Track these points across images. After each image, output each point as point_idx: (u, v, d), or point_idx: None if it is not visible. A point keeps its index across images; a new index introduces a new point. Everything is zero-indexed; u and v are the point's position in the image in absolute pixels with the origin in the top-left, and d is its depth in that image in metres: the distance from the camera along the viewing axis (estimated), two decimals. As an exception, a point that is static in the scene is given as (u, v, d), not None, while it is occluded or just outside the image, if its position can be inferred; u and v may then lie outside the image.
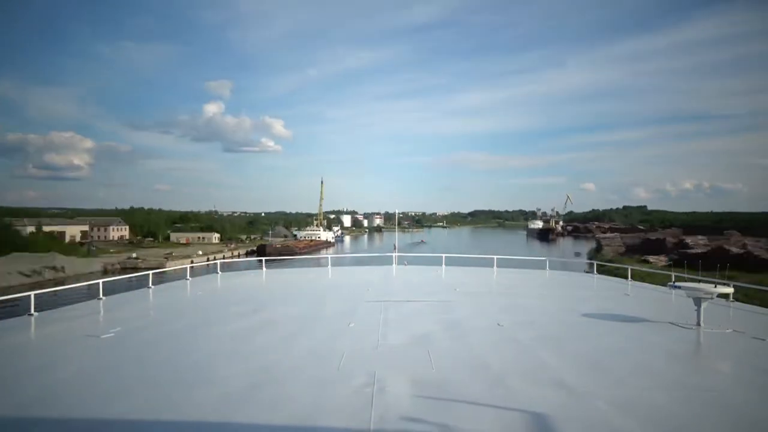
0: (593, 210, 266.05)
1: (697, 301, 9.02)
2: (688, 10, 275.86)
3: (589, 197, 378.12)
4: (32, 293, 10.63)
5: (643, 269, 21.21)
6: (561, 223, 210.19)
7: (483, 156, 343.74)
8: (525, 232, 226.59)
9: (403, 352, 7.26)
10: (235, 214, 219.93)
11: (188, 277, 16.96)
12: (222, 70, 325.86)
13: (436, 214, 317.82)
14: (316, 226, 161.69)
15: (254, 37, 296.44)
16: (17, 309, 11.20)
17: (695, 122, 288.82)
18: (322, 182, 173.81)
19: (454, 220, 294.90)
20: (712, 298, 9.03)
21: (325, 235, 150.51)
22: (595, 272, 19.02)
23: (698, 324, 8.96)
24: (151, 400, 5.32)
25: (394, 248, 21.59)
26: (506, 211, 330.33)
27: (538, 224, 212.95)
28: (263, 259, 20.50)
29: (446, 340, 8.05)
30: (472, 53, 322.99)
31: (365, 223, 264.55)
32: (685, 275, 12.08)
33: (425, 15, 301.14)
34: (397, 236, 26.18)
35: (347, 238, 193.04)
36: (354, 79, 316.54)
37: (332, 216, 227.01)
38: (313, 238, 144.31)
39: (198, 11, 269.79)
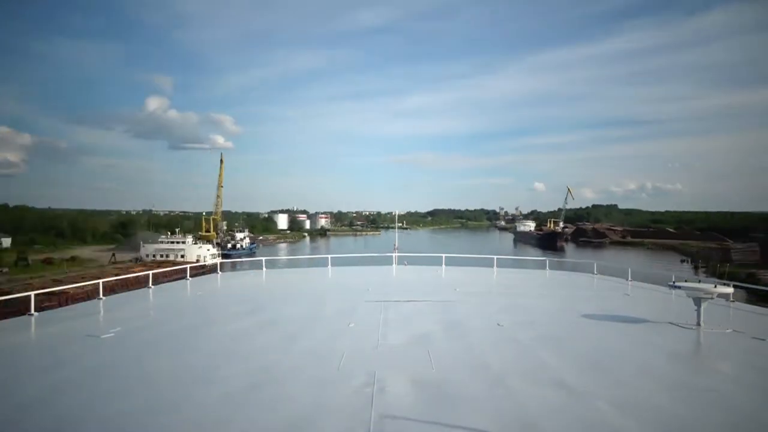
0: (558, 209, 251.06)
1: (697, 301, 9.02)
2: (618, 22, 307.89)
3: (540, 197, 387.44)
4: (32, 293, 10.64)
5: None
6: (561, 224, 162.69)
7: (434, 156, 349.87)
8: (497, 233, 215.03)
9: (403, 352, 7.25)
10: (172, 213, 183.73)
11: (188, 277, 16.96)
12: (167, 68, 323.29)
13: (392, 213, 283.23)
14: (205, 231, 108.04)
15: (200, 37, 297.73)
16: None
17: (628, 127, 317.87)
18: (221, 160, 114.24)
19: (413, 219, 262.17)
20: (712, 298, 9.03)
21: (194, 251, 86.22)
22: (595, 272, 19.01)
23: (698, 324, 8.96)
24: (151, 400, 5.32)
25: (395, 248, 21.59)
26: (467, 210, 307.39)
27: (529, 225, 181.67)
28: (263, 258, 20.49)
29: (446, 340, 8.05)
30: (417, 57, 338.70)
31: (307, 224, 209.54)
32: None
33: (372, 20, 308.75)
34: (397, 236, 26.16)
35: (281, 246, 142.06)
36: (304, 80, 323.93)
37: (266, 215, 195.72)
38: (168, 255, 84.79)
39: (140, 10, 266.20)
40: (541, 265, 20.89)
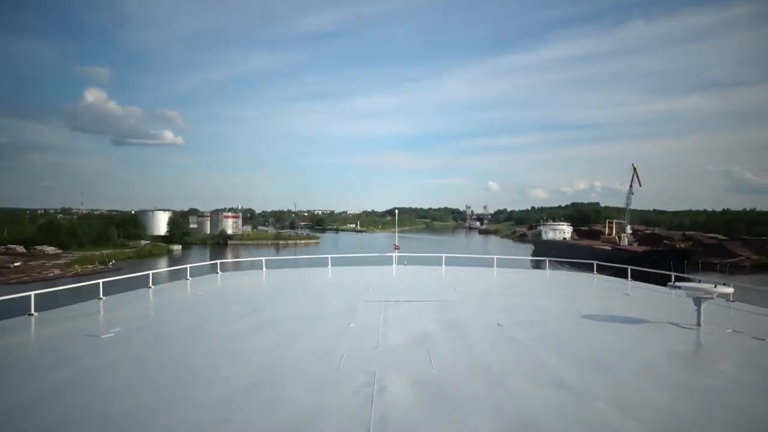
0: (531, 209, 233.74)
1: (697, 301, 9.02)
2: (554, 31, 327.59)
3: (496, 196, 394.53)
4: (32, 293, 10.63)
5: None
6: (629, 229, 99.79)
7: (392, 156, 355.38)
8: (465, 234, 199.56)
9: (403, 352, 7.25)
10: (96, 212, 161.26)
11: (188, 277, 16.96)
12: (110, 65, 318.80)
13: (346, 212, 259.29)
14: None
15: (146, 37, 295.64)
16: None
17: (572, 130, 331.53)
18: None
19: (370, 220, 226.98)
20: (712, 298, 9.03)
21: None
22: (595, 272, 19.01)
23: (698, 324, 8.96)
24: (151, 400, 5.32)
25: (395, 248, 21.59)
26: (431, 209, 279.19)
27: (564, 230, 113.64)
28: (263, 258, 20.49)
29: (446, 340, 8.05)
30: (370, 60, 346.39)
31: (207, 227, 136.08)
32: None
33: (324, 24, 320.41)
34: (397, 235, 26.17)
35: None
36: (257, 81, 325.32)
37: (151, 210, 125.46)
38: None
39: (82, 8, 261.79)
40: (541, 265, 20.88)
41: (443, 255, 21.00)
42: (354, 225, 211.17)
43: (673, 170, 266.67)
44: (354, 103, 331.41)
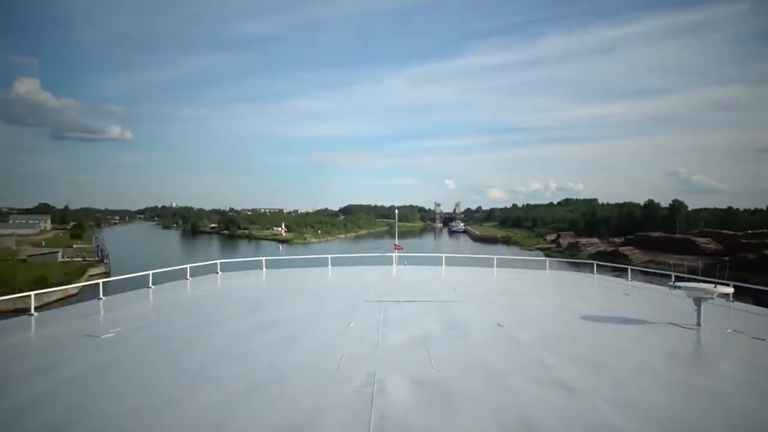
0: (513, 206, 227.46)
1: (697, 301, 9.02)
2: (486, 39, 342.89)
3: (454, 196, 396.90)
4: (32, 293, 10.64)
5: None
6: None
7: (340, 156, 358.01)
8: (437, 236, 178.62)
9: (403, 352, 7.25)
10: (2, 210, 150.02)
11: (188, 277, 16.96)
12: (43, 61, 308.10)
13: (297, 211, 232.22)
14: None
15: (82, 37, 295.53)
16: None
17: (513, 133, 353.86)
18: None
19: (321, 221, 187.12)
20: (712, 298, 9.03)
21: None
22: (595, 272, 19.02)
23: (698, 324, 8.96)
24: (151, 400, 5.32)
25: (395, 248, 21.59)
26: (392, 207, 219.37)
27: None
28: (263, 258, 20.50)
29: (446, 340, 8.05)
30: (314, 64, 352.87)
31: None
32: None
33: (266, 28, 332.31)
34: (397, 235, 26.16)
35: None
36: (200, 81, 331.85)
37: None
38: None
39: (23, 7, 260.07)
40: (541, 265, 20.89)
41: (443, 255, 21.01)
42: (280, 230, 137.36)
43: (612, 170, 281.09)
44: (297, 105, 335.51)
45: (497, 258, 20.88)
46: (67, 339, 8.59)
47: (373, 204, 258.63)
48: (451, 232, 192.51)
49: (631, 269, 17.41)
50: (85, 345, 7.96)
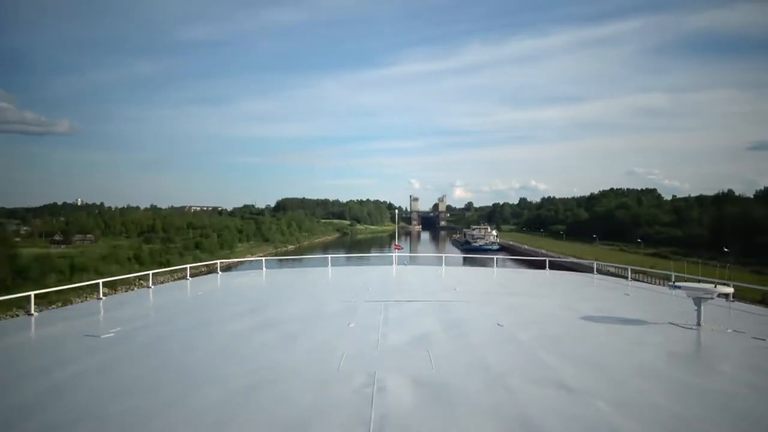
0: (480, 207, 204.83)
1: (697, 301, 9.01)
2: (414, 48, 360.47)
3: (423, 196, 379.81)
4: (32, 293, 10.64)
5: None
6: None
7: (291, 156, 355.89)
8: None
9: (403, 352, 7.25)
10: None
11: (188, 277, 16.96)
12: None
13: (223, 209, 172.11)
14: None
15: (30, 40, 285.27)
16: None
17: (456, 136, 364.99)
18: None
19: (226, 224, 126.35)
20: (712, 298, 9.03)
21: None
22: (595, 272, 19.02)
23: (698, 324, 8.96)
24: (151, 400, 5.32)
25: (395, 248, 21.61)
26: (351, 203, 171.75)
27: None
28: (263, 258, 20.53)
29: (446, 340, 8.05)
30: (263, 69, 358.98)
31: None
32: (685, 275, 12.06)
33: (206, 34, 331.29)
34: (397, 234, 26.18)
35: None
36: (145, 84, 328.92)
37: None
38: None
39: None
40: (541, 265, 20.90)
41: (443, 255, 21.03)
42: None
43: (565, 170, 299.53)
44: (241, 108, 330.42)
45: (497, 258, 20.90)
46: (67, 339, 8.59)
47: (321, 198, 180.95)
48: (470, 248, 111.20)
49: (632, 269, 17.40)
50: (85, 345, 7.96)
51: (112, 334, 8.42)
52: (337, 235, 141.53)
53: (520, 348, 7.64)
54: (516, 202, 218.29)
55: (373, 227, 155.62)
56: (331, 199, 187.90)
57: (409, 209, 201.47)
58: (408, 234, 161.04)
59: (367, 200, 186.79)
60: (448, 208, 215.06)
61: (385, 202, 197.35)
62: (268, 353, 7.34)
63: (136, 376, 6.21)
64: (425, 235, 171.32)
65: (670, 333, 8.67)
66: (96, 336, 8.36)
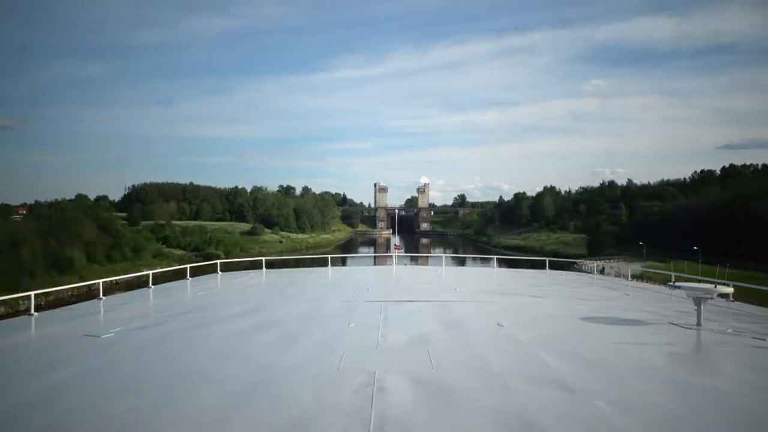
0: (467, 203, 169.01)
1: (697, 301, 9.02)
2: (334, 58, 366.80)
3: (391, 192, 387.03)
4: (32, 293, 10.64)
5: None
6: None
7: (252, 156, 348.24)
8: None
9: (403, 352, 7.25)
10: None
11: (188, 277, 16.96)
12: None
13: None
14: None
15: None
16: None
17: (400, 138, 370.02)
18: None
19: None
20: (712, 298, 9.03)
21: None
22: (595, 272, 19.04)
23: (698, 324, 8.96)
24: (151, 400, 5.32)
25: (395, 248, 21.63)
26: (323, 193, 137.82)
27: None
28: (263, 259, 20.55)
29: (446, 340, 8.04)
30: (191, 72, 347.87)
31: None
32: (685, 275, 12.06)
33: (155, 36, 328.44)
34: (397, 233, 26.18)
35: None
36: (106, 85, 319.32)
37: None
38: None
39: None
40: (541, 265, 20.92)
41: (443, 255, 21.04)
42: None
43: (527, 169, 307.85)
44: (187, 110, 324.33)
45: (497, 258, 20.91)
46: (67, 339, 8.59)
47: (222, 186, 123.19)
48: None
49: (632, 269, 17.43)
50: (85, 345, 7.96)
51: (112, 334, 8.42)
52: (280, 239, 79.88)
53: (520, 348, 7.64)
54: (479, 201, 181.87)
55: (302, 236, 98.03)
56: (227, 187, 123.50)
57: (373, 204, 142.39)
58: (372, 243, 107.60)
59: (305, 189, 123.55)
60: (431, 206, 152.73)
61: (337, 194, 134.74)
62: (268, 353, 7.33)
63: (136, 376, 6.21)
64: (400, 244, 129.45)
65: (670, 333, 8.67)
66: (96, 336, 8.35)
